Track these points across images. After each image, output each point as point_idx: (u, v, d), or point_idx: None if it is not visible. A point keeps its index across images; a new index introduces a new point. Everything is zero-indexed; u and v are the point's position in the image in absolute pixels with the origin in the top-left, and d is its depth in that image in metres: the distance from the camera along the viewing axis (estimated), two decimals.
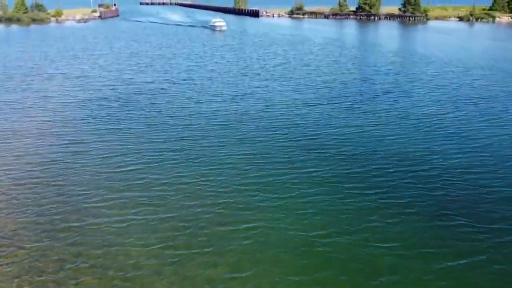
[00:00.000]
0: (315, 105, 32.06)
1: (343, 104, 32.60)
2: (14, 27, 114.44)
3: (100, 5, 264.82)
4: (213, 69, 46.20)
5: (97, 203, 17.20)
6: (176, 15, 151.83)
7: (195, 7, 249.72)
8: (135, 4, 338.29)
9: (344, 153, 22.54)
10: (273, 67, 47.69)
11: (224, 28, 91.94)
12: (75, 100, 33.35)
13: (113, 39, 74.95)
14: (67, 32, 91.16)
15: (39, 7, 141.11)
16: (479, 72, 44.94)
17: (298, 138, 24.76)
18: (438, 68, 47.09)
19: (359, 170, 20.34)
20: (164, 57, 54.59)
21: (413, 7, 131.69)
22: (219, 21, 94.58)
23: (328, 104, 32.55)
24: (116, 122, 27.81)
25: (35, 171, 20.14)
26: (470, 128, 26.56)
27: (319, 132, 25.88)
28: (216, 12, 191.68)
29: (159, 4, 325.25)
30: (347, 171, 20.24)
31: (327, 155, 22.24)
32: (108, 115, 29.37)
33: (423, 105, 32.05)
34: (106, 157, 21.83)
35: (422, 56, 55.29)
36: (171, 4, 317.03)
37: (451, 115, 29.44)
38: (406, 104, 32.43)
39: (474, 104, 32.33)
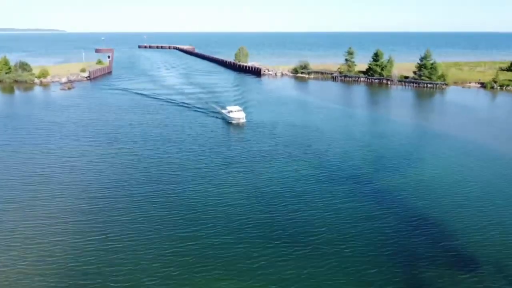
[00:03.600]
0: None
1: None
2: None
3: (97, 50, 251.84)
4: (202, 268, 27.49)
5: None
6: (176, 78, 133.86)
7: (195, 55, 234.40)
8: (134, 47, 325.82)
9: None
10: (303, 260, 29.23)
11: (243, 120, 66.82)
12: None
13: (82, 145, 55.88)
14: (38, 114, 73.55)
15: (23, 66, 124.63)
16: None
17: None
18: None
19: None
20: (131, 220, 35.47)
21: (429, 71, 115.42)
22: (237, 110, 68.70)
23: None
24: None
25: None
26: None
27: None
28: (217, 65, 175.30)
29: (157, 47, 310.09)
30: None
31: None
32: None
33: None
34: None
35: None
36: (169, 48, 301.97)
37: None
38: None
39: None
